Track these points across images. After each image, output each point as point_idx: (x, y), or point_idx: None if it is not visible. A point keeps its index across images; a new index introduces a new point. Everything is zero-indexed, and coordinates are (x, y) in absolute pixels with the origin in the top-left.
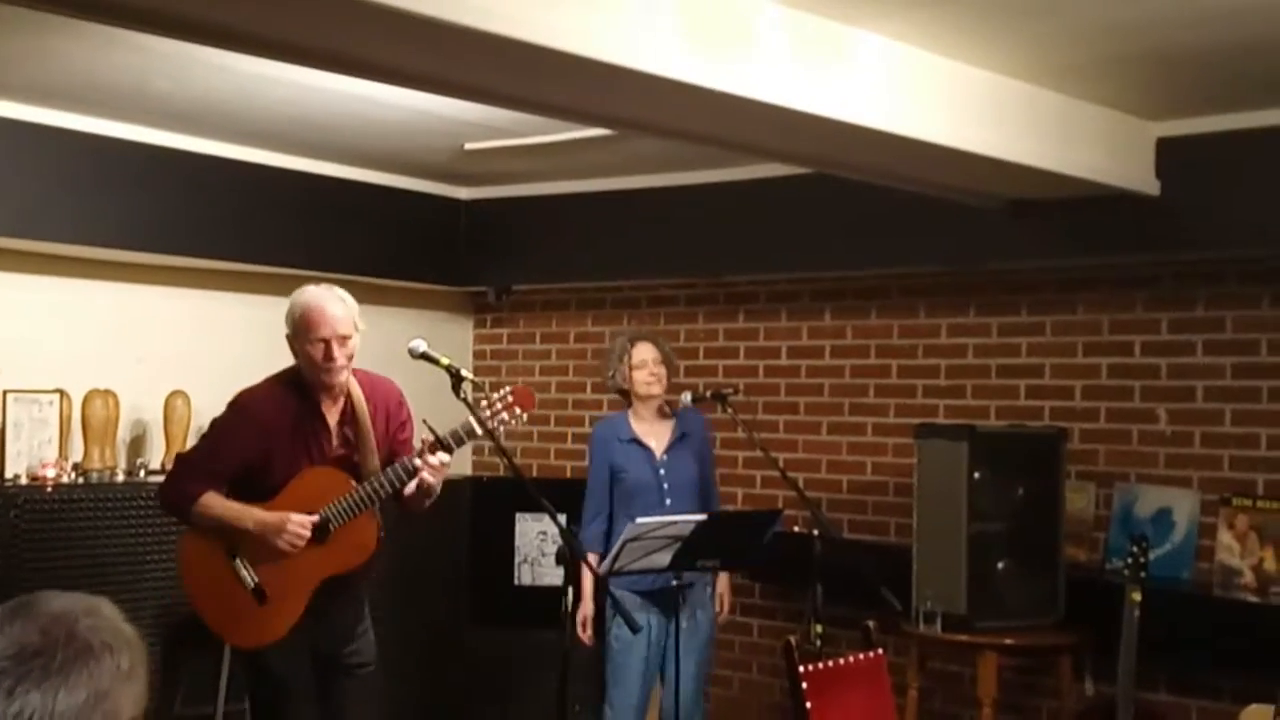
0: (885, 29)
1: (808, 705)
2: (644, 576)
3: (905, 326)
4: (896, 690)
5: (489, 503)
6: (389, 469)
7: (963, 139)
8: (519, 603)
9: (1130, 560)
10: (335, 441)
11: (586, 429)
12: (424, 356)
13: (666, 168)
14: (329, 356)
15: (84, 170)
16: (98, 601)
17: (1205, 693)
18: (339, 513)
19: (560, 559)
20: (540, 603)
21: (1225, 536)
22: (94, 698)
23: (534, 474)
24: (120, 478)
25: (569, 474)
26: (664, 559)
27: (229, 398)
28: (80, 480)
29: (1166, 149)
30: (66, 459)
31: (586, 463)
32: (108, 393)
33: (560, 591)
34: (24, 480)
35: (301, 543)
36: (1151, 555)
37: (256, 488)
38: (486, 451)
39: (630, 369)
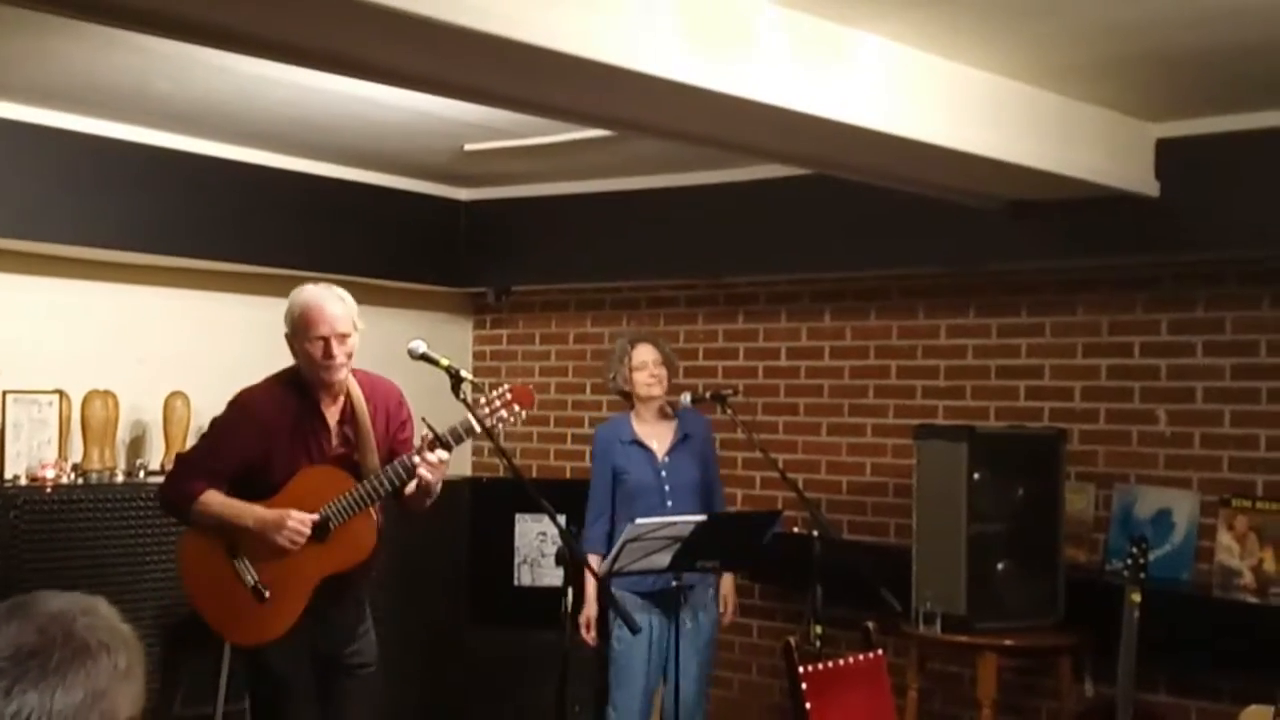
0: (884, 30)
1: (807, 706)
2: (645, 578)
3: (905, 327)
4: (896, 691)
5: (489, 503)
6: (388, 467)
7: (962, 140)
8: (519, 603)
9: (1130, 561)
10: (335, 441)
11: (586, 430)
12: (424, 357)
13: (666, 169)
14: (328, 354)
15: (84, 171)
16: (94, 601)
17: (1205, 694)
18: (339, 511)
19: (560, 560)
20: (540, 603)
21: (1225, 537)
22: (91, 697)
23: (534, 475)
24: (120, 478)
25: (568, 475)
26: (664, 559)
27: (228, 398)
28: (80, 481)
29: (1166, 150)
30: (66, 460)
31: (588, 464)
32: (107, 393)
33: (560, 592)
34: (23, 481)
35: (302, 539)
36: (1151, 556)
37: (256, 487)
38: (486, 452)
39: (631, 370)
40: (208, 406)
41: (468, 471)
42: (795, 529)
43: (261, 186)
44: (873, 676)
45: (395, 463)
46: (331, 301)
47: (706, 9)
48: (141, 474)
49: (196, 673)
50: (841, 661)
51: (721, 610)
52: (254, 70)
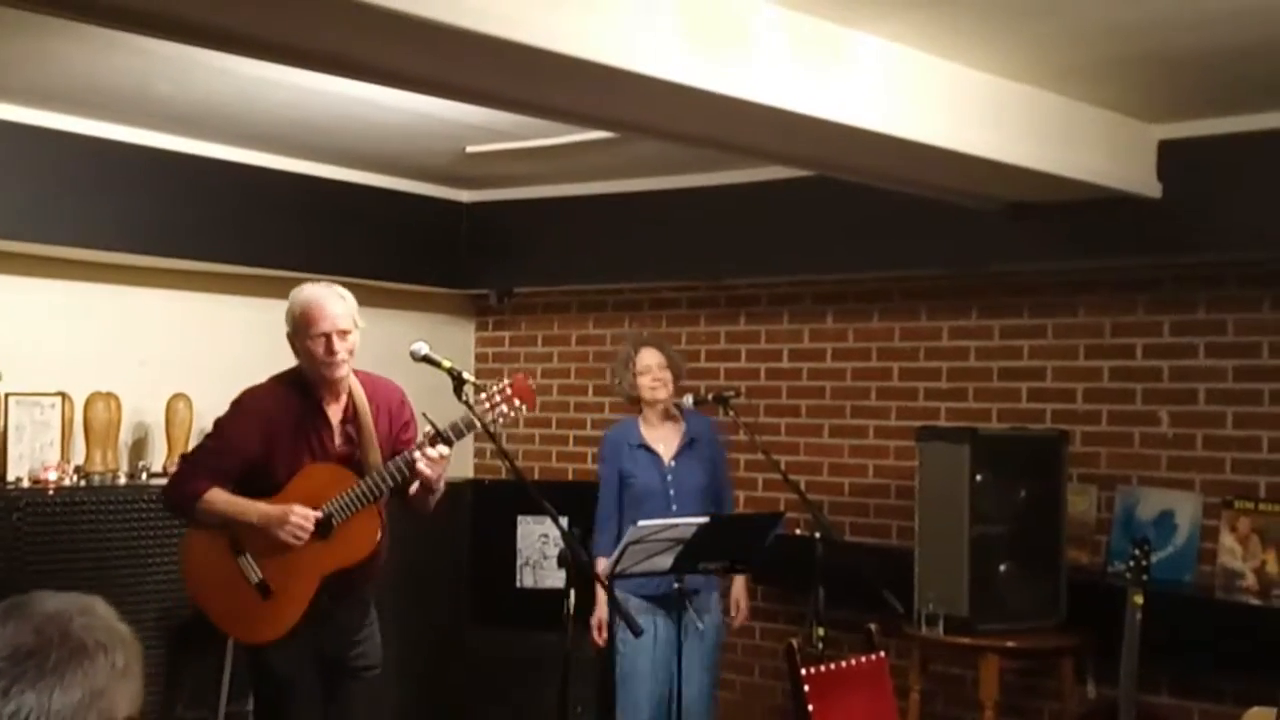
0: (884, 30)
1: (810, 708)
2: (649, 581)
3: (907, 329)
4: (898, 693)
5: (491, 505)
6: (389, 463)
7: (963, 141)
8: (520, 605)
9: (1132, 563)
10: (338, 439)
11: (588, 431)
12: (426, 359)
13: (668, 170)
14: (330, 351)
15: (86, 173)
16: (92, 601)
17: (1207, 695)
18: (341, 507)
19: (562, 561)
20: (542, 605)
21: (1227, 539)
22: (89, 696)
23: (535, 476)
24: (122, 480)
25: (570, 476)
26: (666, 561)
27: (230, 400)
28: (82, 483)
29: (1168, 151)
30: (68, 461)
31: (591, 466)
32: (109, 395)
33: (562, 594)
34: (26, 483)
35: (305, 535)
36: (1153, 558)
37: (260, 486)
38: (488, 454)
39: (635, 375)
40: (210, 408)
41: (470, 473)
42: (797, 531)
43: (263, 188)
44: (875, 678)
45: (397, 458)
46: (332, 300)
47: (705, 10)
48: (144, 476)
49: (199, 675)
50: (844, 663)
51: (733, 614)
52: (255, 72)
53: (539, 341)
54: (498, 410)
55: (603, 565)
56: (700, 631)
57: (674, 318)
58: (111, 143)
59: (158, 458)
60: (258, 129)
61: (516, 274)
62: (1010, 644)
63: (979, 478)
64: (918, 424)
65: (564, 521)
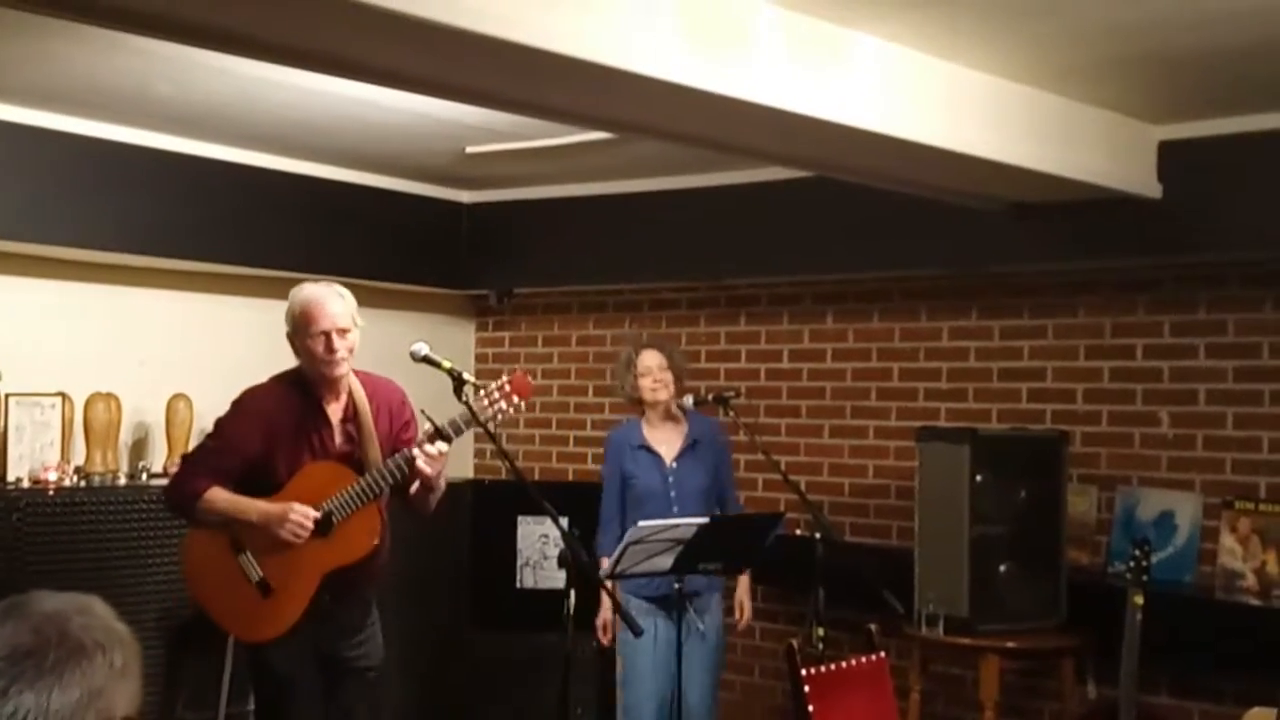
0: (883, 31)
1: (810, 708)
2: (649, 582)
3: (907, 329)
4: (899, 693)
5: (491, 506)
6: (389, 460)
7: (962, 142)
8: (521, 605)
9: (1132, 563)
10: (339, 438)
11: (588, 432)
12: (426, 360)
13: (668, 171)
14: (330, 349)
15: (86, 173)
16: (90, 600)
17: (1207, 696)
18: (341, 505)
19: (562, 562)
20: (542, 605)
21: (1227, 540)
22: (88, 696)
23: (536, 477)
24: (122, 481)
25: (571, 477)
26: (666, 562)
27: (231, 401)
28: (82, 483)
29: (1168, 152)
30: (69, 462)
31: (591, 466)
32: (110, 396)
33: (562, 594)
34: (26, 483)
35: (305, 533)
36: (1154, 558)
37: (261, 485)
38: (489, 455)
39: (636, 377)
40: (210, 409)
41: (470, 474)
42: (797, 531)
43: (263, 189)
44: (875, 679)
45: (396, 455)
46: (331, 298)
47: (704, 10)
48: (144, 476)
49: (199, 675)
50: (844, 664)
51: (737, 616)
52: (255, 73)
53: (539, 342)
54: (496, 407)
55: (606, 566)
56: (701, 633)
57: (674, 318)
58: (112, 143)
59: (158, 458)
60: (258, 129)
61: (516, 274)
62: (1010, 644)
63: (979, 478)
64: (918, 424)
65: (564, 522)
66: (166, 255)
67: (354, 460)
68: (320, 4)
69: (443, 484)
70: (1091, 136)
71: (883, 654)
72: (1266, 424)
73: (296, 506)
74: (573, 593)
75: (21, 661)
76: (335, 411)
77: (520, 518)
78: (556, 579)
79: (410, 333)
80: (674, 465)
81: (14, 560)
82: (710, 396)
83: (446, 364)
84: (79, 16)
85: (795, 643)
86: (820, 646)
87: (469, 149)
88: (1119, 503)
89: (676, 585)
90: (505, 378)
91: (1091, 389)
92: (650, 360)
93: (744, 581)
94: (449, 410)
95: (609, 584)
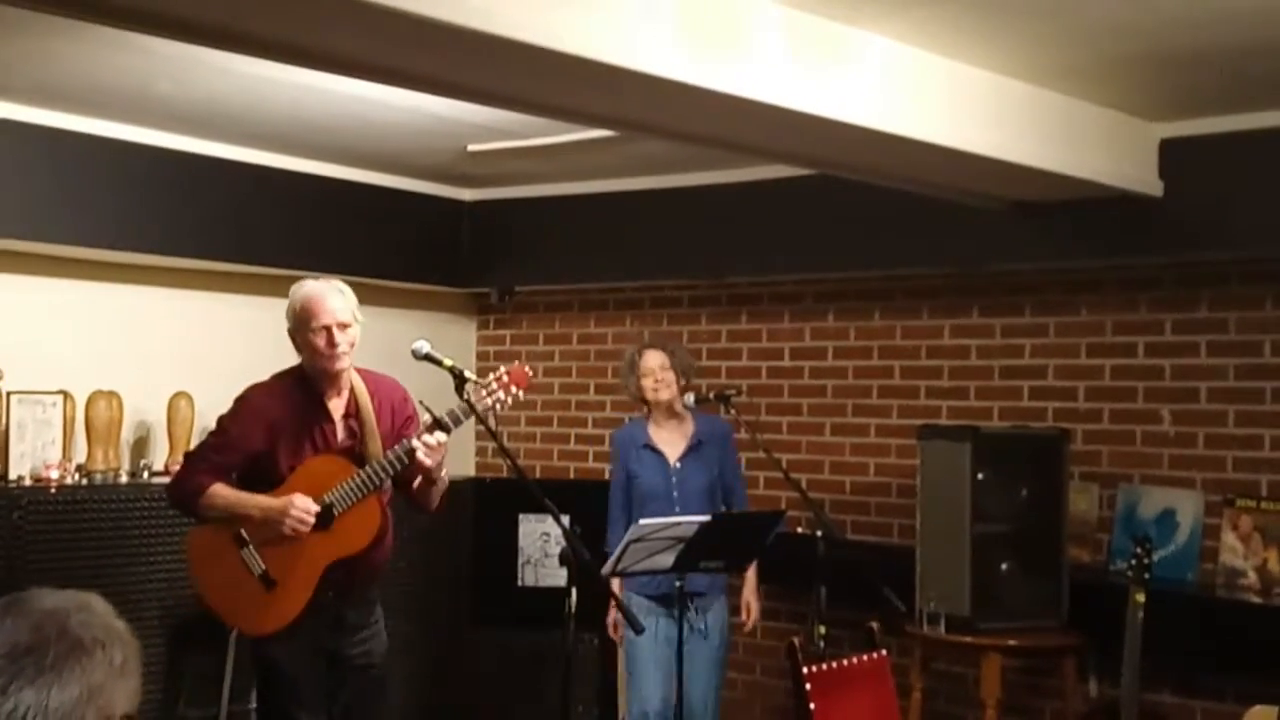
0: (885, 29)
1: (811, 706)
2: (651, 580)
3: (908, 328)
4: (900, 691)
5: (492, 504)
6: (389, 451)
7: (964, 140)
8: (522, 604)
9: (1134, 561)
10: (341, 434)
11: (590, 430)
12: (427, 358)
13: (669, 169)
14: (331, 343)
15: (88, 172)
16: (89, 598)
17: (1209, 694)
18: (342, 497)
19: (564, 560)
20: (543, 604)
21: (1229, 538)
22: (87, 693)
23: (537, 475)
24: (124, 479)
25: (572, 475)
26: (667, 560)
27: (232, 398)
28: (84, 481)
29: (1170, 150)
30: (70, 460)
31: (592, 464)
32: (111, 394)
33: (564, 592)
34: (28, 481)
35: (306, 525)
36: (1155, 556)
37: (264, 481)
38: (490, 453)
39: (638, 377)
40: (212, 406)
41: (471, 472)
42: (799, 529)
43: (264, 187)
44: (877, 677)
45: (396, 447)
46: (331, 294)
47: (706, 9)
48: (145, 474)
49: (201, 673)
50: (845, 662)
51: (743, 616)
52: (256, 71)
53: (540, 340)
54: (495, 397)
55: (608, 564)
56: (702, 631)
57: (675, 316)
58: (113, 142)
59: (159, 456)
60: (259, 128)
61: (518, 272)
62: (1012, 642)
63: (980, 476)
64: (919, 422)
65: (565, 520)
66: (168, 253)
67: (356, 455)
68: (324, 3)
69: (445, 477)
70: (1093, 135)
71: (884, 652)
72: (1268, 422)
73: (297, 500)
74: (574, 591)
75: (21, 659)
76: (337, 407)
77: (521, 516)
78: (558, 577)
79: (411, 331)
80: (678, 465)
81: (15, 558)
82: (712, 395)
83: (448, 362)
84: (81, 15)
85: (797, 641)
86: (822, 644)
87: (470, 147)
88: (1120, 500)
89: (678, 583)
90: (503, 370)
91: (1093, 387)
92: (652, 361)
93: (750, 581)
94: (450, 408)
95: (599, 582)
